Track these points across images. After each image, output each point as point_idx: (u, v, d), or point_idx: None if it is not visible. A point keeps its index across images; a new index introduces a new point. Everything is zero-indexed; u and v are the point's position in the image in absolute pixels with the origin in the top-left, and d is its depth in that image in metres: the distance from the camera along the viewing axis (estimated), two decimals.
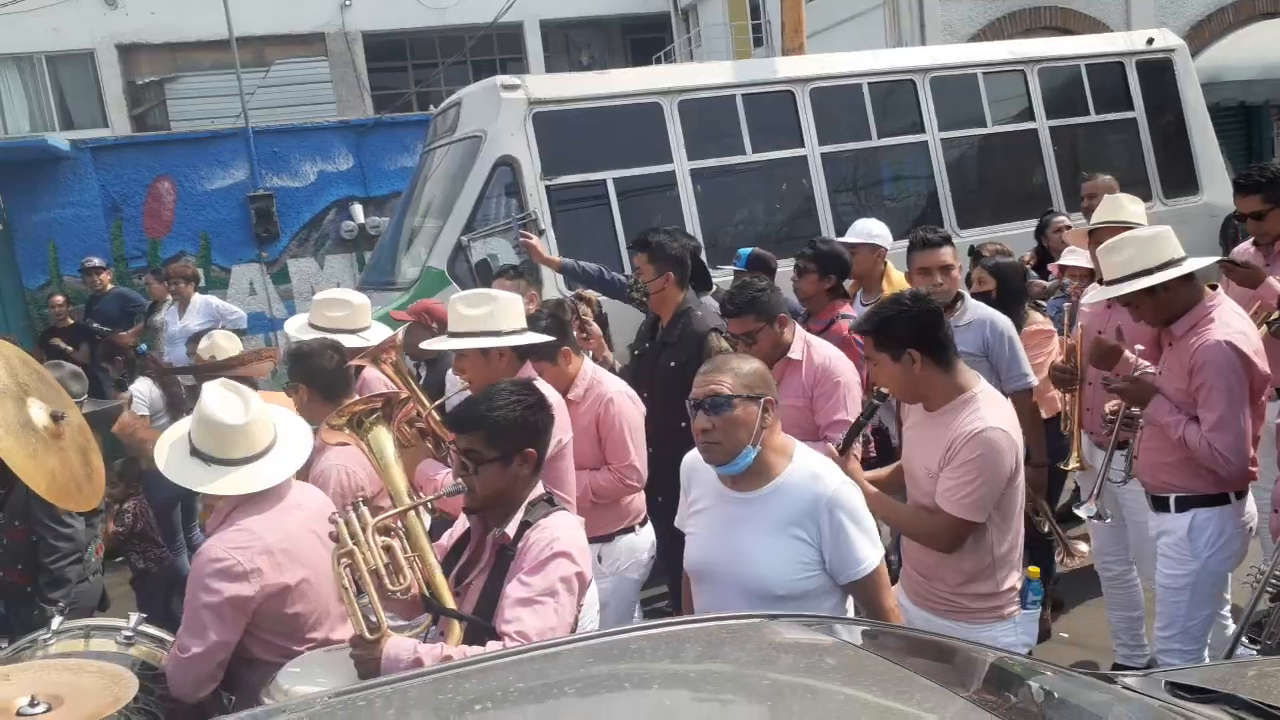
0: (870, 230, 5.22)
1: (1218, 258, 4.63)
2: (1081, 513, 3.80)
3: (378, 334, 4.45)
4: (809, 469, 2.53)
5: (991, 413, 2.81)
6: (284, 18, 18.64)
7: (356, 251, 11.35)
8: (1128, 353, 3.61)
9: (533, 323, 3.68)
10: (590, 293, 5.49)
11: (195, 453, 2.77)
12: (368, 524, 2.42)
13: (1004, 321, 4.20)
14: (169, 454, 2.80)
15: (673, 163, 7.21)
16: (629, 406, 3.82)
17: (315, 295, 4.94)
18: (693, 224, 7.15)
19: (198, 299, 8.91)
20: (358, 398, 3.08)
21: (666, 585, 4.54)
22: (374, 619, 2.32)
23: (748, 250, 5.48)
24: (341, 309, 4.52)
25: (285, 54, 18.92)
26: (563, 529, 2.45)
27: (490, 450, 2.44)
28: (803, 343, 3.92)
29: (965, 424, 2.77)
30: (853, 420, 3.41)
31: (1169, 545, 3.47)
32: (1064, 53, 8.35)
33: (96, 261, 9.77)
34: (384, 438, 2.75)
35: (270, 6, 18.28)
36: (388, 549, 2.42)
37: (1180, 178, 8.48)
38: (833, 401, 3.80)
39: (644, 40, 21.35)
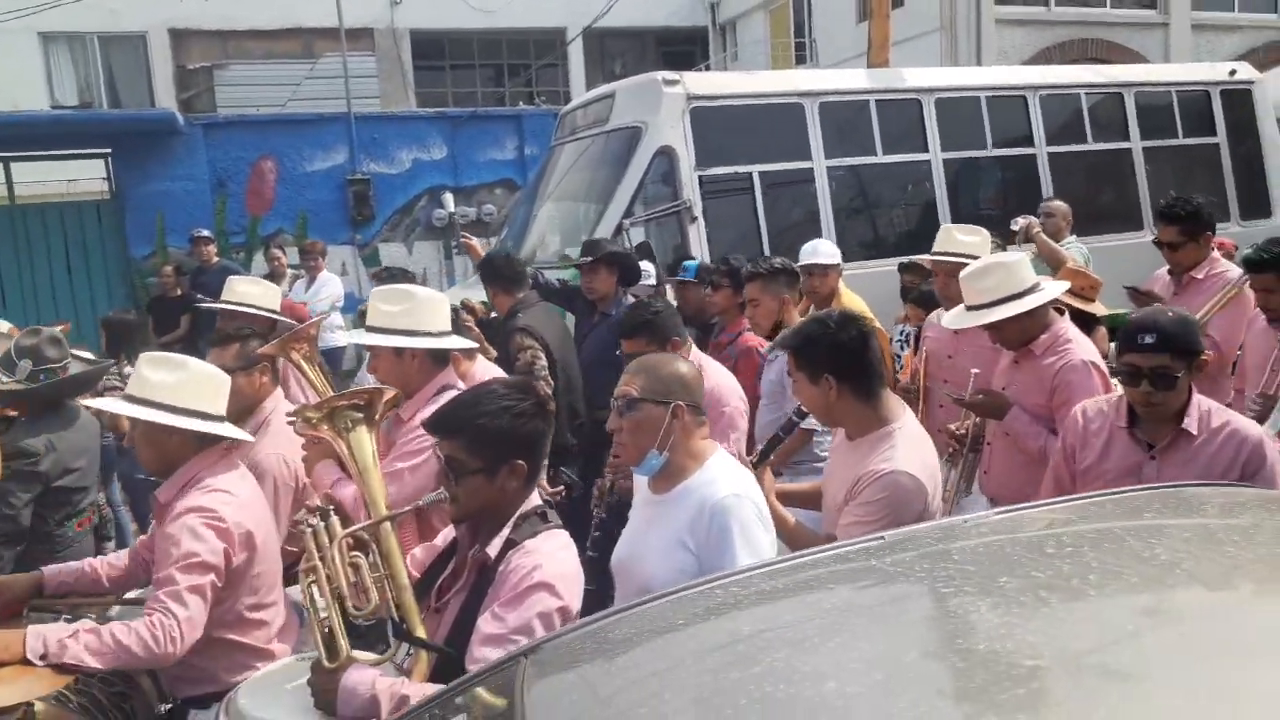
0: (818, 250, 5.35)
1: (1126, 285, 4.91)
2: None
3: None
4: (710, 476, 2.43)
5: (904, 454, 2.64)
6: (334, 11, 18.94)
7: (444, 239, 11.71)
8: (974, 370, 3.74)
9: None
10: (475, 300, 5.67)
11: (184, 411, 2.71)
12: (336, 536, 2.23)
13: None
14: (160, 416, 2.68)
15: (811, 160, 7.72)
16: None
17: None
18: (826, 218, 7.67)
19: (324, 274, 9.28)
20: (334, 393, 2.94)
21: None
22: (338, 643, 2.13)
23: (694, 263, 5.85)
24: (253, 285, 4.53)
25: (334, 47, 19.21)
26: (547, 555, 2.18)
27: (472, 460, 2.20)
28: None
29: (875, 462, 2.62)
30: (730, 450, 3.33)
31: None
32: (1157, 79, 8.98)
33: (205, 232, 10.05)
34: (364, 439, 2.56)
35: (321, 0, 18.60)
36: (355, 566, 2.22)
37: (1256, 201, 9.14)
38: (717, 429, 3.54)
39: (676, 53, 21.90)
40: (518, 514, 2.25)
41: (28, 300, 10.21)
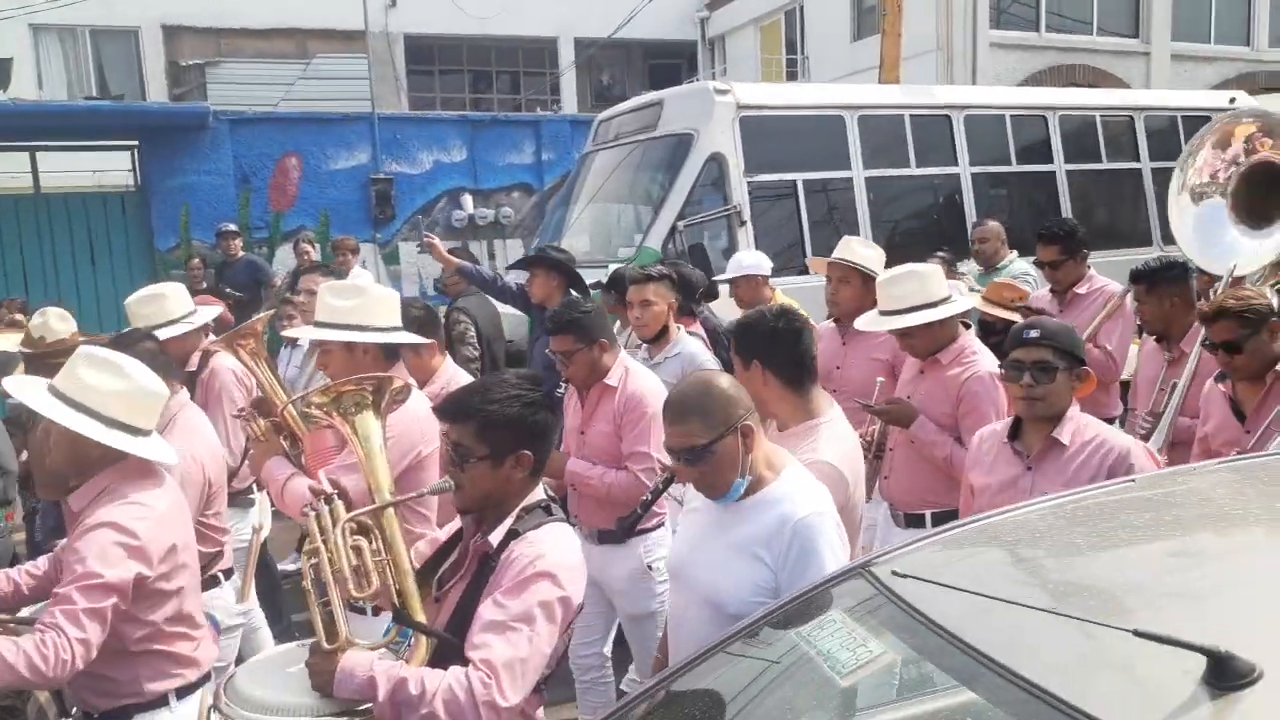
0: (742, 263, 5.63)
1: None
2: None
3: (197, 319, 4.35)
4: (788, 491, 2.40)
5: (827, 445, 2.73)
6: (328, 12, 18.98)
7: (462, 240, 11.89)
8: (880, 378, 3.92)
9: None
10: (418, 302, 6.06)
11: (115, 424, 2.53)
12: (339, 519, 2.24)
13: (705, 358, 4.48)
14: (92, 428, 2.50)
15: (851, 170, 8.08)
16: None
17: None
18: (864, 225, 8.02)
19: (355, 269, 9.41)
20: (329, 383, 2.81)
21: None
22: (336, 627, 2.12)
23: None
24: (151, 305, 4.26)
25: (327, 48, 19.26)
26: (550, 545, 2.20)
27: (479, 447, 2.22)
28: (622, 370, 3.76)
29: (800, 452, 2.67)
30: (655, 452, 3.47)
31: None
32: (1165, 104, 9.51)
33: (232, 227, 10.15)
34: (371, 425, 2.52)
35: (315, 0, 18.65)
36: (358, 550, 2.21)
37: None
38: (637, 431, 3.63)
39: (663, 66, 22.26)
40: (521, 506, 2.26)
41: (50, 289, 10.16)
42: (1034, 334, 2.96)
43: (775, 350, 2.83)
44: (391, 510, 2.32)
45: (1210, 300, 4.16)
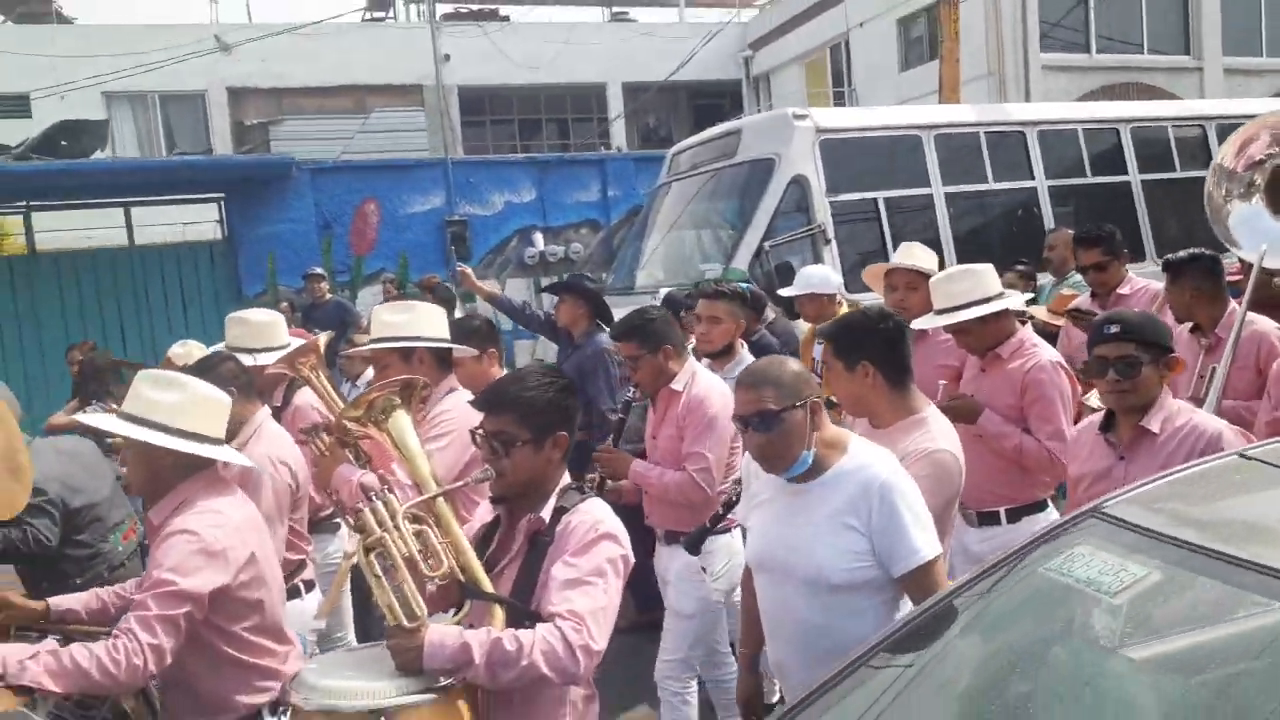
0: (810, 279, 5.56)
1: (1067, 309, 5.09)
2: None
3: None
4: (863, 459, 2.50)
5: (942, 436, 2.81)
6: (384, 68, 19.59)
7: (534, 276, 12.15)
8: (942, 381, 3.89)
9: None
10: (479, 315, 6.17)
11: (183, 433, 2.62)
12: (396, 511, 2.32)
13: None
14: (159, 438, 2.60)
15: (930, 187, 8.22)
16: None
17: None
18: (946, 240, 8.13)
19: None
20: (367, 387, 2.94)
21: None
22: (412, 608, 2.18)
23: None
24: (240, 327, 4.37)
25: (384, 102, 19.82)
26: (603, 512, 2.38)
27: (522, 432, 2.35)
28: (689, 375, 3.83)
29: (917, 442, 2.75)
30: (709, 454, 3.61)
31: None
32: (1237, 111, 9.55)
33: (319, 270, 10.45)
34: (404, 424, 2.63)
35: (373, 58, 19.26)
36: (420, 535, 2.31)
37: None
38: (696, 433, 3.70)
39: (708, 106, 22.63)
40: (559, 487, 2.41)
41: (145, 340, 10.54)
42: (1114, 329, 2.95)
43: (881, 350, 2.87)
44: (441, 498, 2.45)
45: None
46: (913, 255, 4.58)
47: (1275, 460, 2.12)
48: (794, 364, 2.60)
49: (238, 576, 2.57)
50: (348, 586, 4.23)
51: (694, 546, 3.38)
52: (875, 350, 2.86)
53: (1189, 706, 1.66)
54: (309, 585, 3.82)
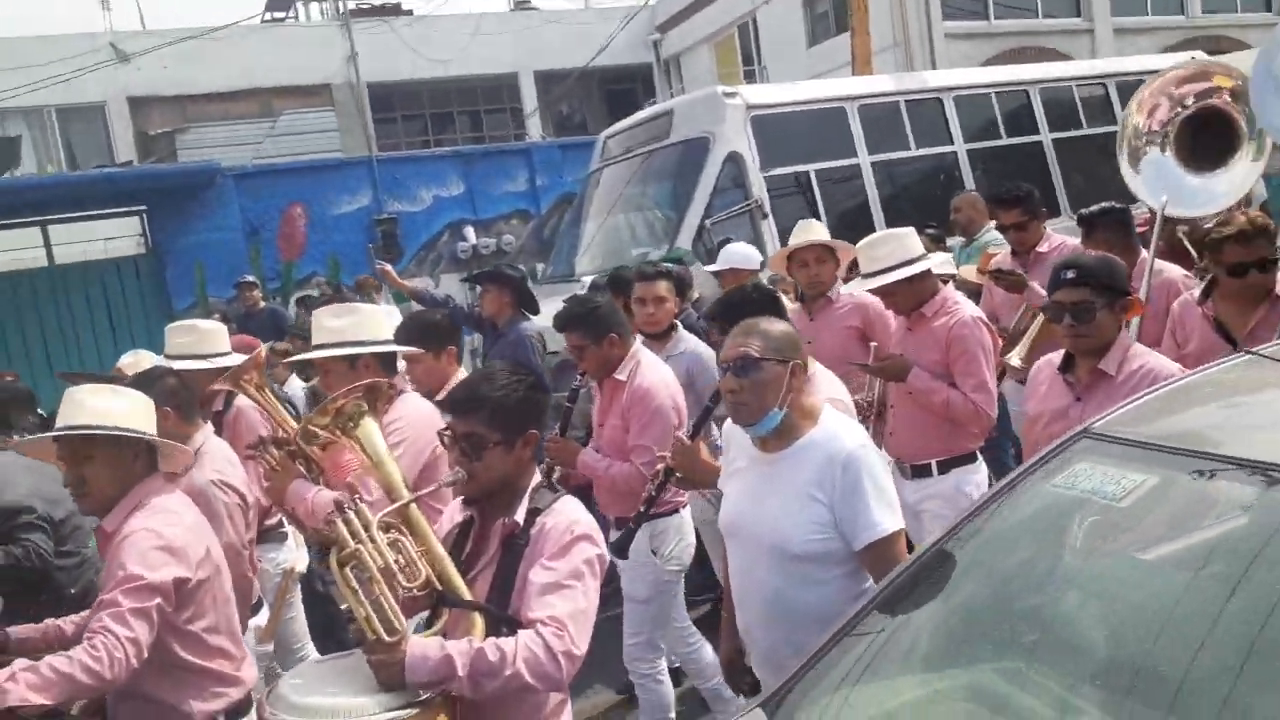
0: (731, 256, 5.74)
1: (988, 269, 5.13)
2: None
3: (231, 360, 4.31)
4: (832, 431, 2.52)
5: (827, 385, 3.09)
6: (290, 70, 19.21)
7: (468, 270, 12.15)
8: (872, 343, 4.13)
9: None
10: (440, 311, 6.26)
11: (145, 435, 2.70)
12: (369, 522, 2.26)
13: (709, 355, 4.40)
14: (140, 427, 2.67)
15: (857, 157, 8.50)
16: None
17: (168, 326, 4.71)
18: (875, 208, 8.43)
19: (382, 308, 9.63)
20: (333, 394, 2.82)
21: None
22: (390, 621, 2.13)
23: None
24: (188, 334, 4.31)
25: (291, 105, 19.45)
26: (578, 512, 2.36)
27: (493, 433, 2.32)
28: (633, 363, 3.81)
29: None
30: (655, 446, 3.53)
31: (940, 506, 3.75)
32: (1135, 69, 10.04)
33: (251, 278, 10.30)
34: (372, 430, 2.59)
35: (277, 60, 18.88)
36: (395, 545, 2.25)
37: None
38: (641, 424, 3.70)
39: (619, 91, 22.76)
40: (531, 487, 2.38)
41: (71, 357, 10.26)
42: (1070, 274, 3.00)
43: (756, 315, 2.87)
44: (414, 505, 2.39)
45: (1204, 233, 4.24)
46: (811, 231, 4.82)
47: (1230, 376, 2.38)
48: (787, 326, 2.67)
49: (196, 573, 2.59)
50: (297, 596, 4.26)
51: (622, 551, 3.39)
52: (750, 316, 2.90)
53: (1204, 598, 1.85)
54: (255, 608, 3.71)
